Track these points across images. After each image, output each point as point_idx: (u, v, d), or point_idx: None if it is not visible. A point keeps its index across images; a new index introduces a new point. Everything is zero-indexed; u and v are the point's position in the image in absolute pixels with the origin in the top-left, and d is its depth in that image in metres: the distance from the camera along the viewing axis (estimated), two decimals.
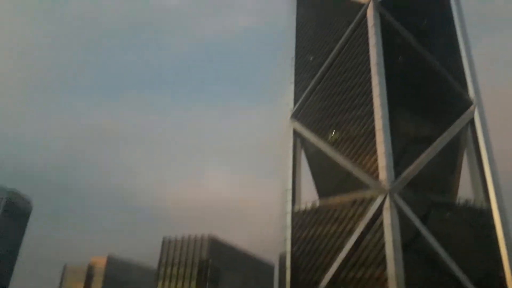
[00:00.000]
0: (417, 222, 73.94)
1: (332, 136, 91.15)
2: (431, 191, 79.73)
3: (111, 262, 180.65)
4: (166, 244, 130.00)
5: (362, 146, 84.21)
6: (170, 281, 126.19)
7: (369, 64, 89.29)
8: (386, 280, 69.41)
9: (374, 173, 79.02)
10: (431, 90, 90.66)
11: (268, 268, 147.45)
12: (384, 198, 74.91)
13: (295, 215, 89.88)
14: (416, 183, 78.12)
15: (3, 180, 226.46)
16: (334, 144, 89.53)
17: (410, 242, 72.27)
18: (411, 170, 78.77)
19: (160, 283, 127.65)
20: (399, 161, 79.62)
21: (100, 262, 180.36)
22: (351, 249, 76.54)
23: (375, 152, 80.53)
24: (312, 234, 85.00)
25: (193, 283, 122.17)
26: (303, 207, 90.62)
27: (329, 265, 78.34)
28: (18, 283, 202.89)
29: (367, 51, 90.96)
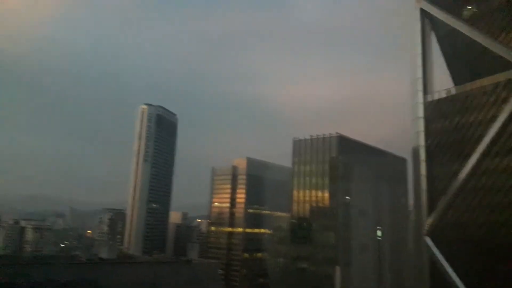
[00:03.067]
0: None
1: (468, 11, 78.24)
2: None
3: (250, 163, 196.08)
4: (297, 144, 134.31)
5: (505, 19, 70.96)
6: (304, 177, 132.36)
7: None
8: None
9: None
10: None
11: (401, 162, 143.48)
12: None
13: (428, 105, 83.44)
14: None
15: (152, 100, 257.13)
16: (470, 20, 77.07)
17: None
18: None
19: (295, 179, 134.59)
20: None
21: (241, 163, 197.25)
22: (493, 137, 68.93)
23: None
24: (448, 124, 78.67)
25: (326, 179, 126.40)
26: (436, 96, 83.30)
27: (467, 156, 72.47)
28: (178, 182, 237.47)
29: None
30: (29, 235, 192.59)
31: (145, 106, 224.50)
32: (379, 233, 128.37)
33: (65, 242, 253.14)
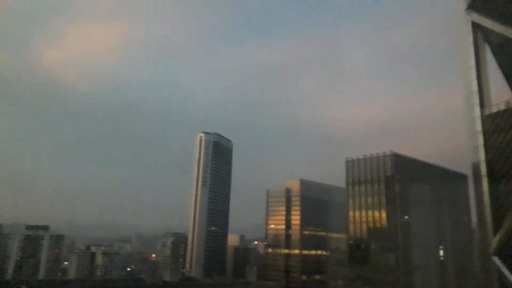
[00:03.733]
0: None
1: None
2: None
3: (304, 184, 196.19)
4: (350, 164, 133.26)
5: None
6: (360, 198, 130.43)
7: None
8: None
9: None
10: None
11: (461, 178, 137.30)
12: None
13: (486, 119, 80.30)
14: None
15: (209, 128, 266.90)
16: None
17: None
18: None
19: (351, 200, 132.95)
20: None
21: (295, 185, 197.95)
22: None
23: None
24: (509, 138, 75.32)
25: (382, 198, 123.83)
26: (494, 109, 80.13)
27: None
28: (234, 205, 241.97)
29: None
30: (99, 260, 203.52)
31: (202, 134, 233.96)
32: (441, 253, 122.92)
33: (132, 266, 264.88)
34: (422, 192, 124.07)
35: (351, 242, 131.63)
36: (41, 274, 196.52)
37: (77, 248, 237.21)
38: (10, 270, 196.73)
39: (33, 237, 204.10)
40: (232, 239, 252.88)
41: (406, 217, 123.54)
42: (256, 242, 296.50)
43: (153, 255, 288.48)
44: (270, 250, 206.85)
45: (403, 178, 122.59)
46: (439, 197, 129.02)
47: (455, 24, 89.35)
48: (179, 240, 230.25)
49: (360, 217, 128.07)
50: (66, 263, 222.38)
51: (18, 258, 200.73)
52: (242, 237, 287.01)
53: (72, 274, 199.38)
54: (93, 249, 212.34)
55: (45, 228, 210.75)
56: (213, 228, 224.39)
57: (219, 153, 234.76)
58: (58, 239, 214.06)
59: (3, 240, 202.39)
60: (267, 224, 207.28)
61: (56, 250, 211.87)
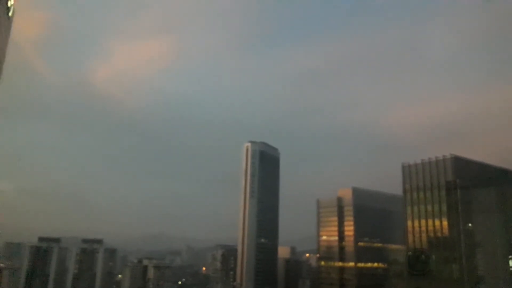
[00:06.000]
0: None
1: None
2: None
3: (357, 193, 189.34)
4: (407, 170, 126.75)
5: None
6: (418, 206, 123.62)
7: None
8: None
9: None
10: None
11: None
12: None
13: None
14: None
15: (255, 137, 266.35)
16: None
17: None
18: None
19: (409, 208, 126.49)
20: None
21: (347, 194, 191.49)
22: None
23: None
24: None
25: (444, 206, 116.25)
26: None
27: None
28: (283, 216, 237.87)
29: None
30: (151, 273, 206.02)
31: (248, 144, 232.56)
32: (510, 263, 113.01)
33: (182, 279, 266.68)
34: (487, 198, 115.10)
35: (410, 253, 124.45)
36: (97, 287, 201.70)
37: (130, 262, 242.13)
38: (68, 282, 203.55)
39: (88, 250, 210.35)
40: (283, 251, 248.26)
41: (470, 225, 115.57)
42: (307, 255, 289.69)
43: (204, 268, 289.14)
44: (323, 263, 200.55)
45: (465, 183, 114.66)
46: (506, 202, 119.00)
47: None
48: (229, 253, 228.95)
49: (420, 226, 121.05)
50: (120, 276, 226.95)
51: (75, 271, 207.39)
52: (293, 249, 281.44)
53: (125, 287, 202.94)
54: (145, 262, 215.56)
55: (99, 241, 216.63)
56: (263, 240, 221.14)
57: (266, 163, 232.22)
58: (111, 252, 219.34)
59: (62, 253, 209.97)
60: (318, 236, 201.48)
61: (110, 264, 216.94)
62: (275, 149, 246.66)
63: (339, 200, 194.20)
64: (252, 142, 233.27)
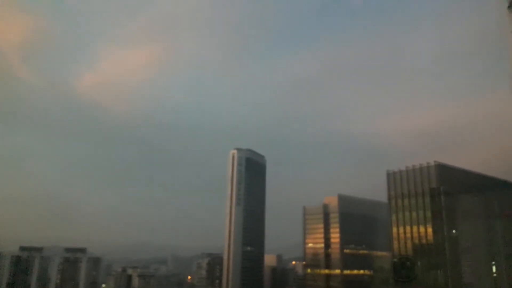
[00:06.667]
0: None
1: None
2: None
3: (342, 200, 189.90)
4: (391, 177, 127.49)
5: None
6: (403, 212, 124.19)
7: None
8: None
9: None
10: None
11: None
12: None
13: None
14: None
15: (242, 144, 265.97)
16: None
17: None
18: None
19: (394, 215, 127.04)
20: None
21: (333, 201, 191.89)
22: None
23: None
24: None
25: (428, 212, 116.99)
26: None
27: None
28: (269, 223, 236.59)
29: None
30: (135, 282, 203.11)
31: (234, 151, 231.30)
32: (494, 269, 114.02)
33: None
34: (471, 204, 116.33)
35: (395, 260, 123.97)
36: None
37: (114, 270, 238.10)
38: None
39: (71, 260, 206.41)
40: (269, 259, 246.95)
41: (454, 231, 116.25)
42: (294, 262, 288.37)
43: (189, 277, 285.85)
44: (309, 270, 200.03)
45: (449, 189, 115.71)
46: (490, 209, 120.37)
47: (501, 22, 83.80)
48: (215, 261, 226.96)
49: (405, 233, 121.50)
50: (103, 286, 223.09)
51: (57, 281, 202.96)
52: (279, 257, 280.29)
53: None
54: (129, 271, 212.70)
55: (83, 250, 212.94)
56: (249, 248, 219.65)
57: (253, 170, 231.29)
58: (95, 261, 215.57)
59: (44, 263, 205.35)
60: (305, 243, 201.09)
61: (94, 273, 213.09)
62: (262, 156, 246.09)
63: (325, 207, 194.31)
64: (238, 149, 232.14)
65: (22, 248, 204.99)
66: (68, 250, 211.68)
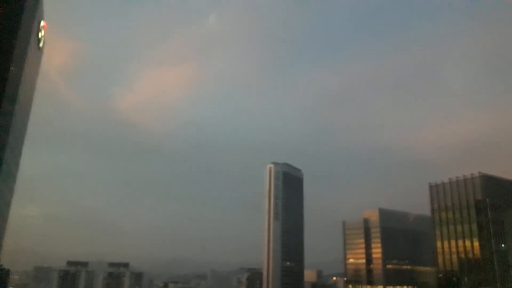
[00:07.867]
0: None
1: None
2: None
3: (383, 214, 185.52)
4: (434, 190, 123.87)
5: None
6: (447, 226, 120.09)
7: None
8: None
9: None
10: None
11: None
12: None
13: None
14: None
15: (277, 158, 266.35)
16: None
17: None
18: None
19: (437, 229, 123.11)
20: None
21: (373, 215, 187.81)
22: None
23: None
24: None
25: (474, 226, 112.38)
26: None
27: None
28: (308, 238, 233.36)
29: None
30: None
31: (271, 165, 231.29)
32: None
33: None
34: None
35: (440, 275, 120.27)
36: None
37: (156, 285, 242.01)
38: None
39: (115, 274, 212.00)
40: (309, 275, 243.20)
41: (503, 245, 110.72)
42: (334, 278, 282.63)
43: None
44: (350, 286, 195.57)
45: (496, 202, 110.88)
46: None
47: None
48: (254, 276, 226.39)
49: (450, 247, 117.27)
50: None
51: None
52: (319, 273, 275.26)
53: None
54: (171, 286, 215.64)
55: (126, 265, 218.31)
56: (288, 263, 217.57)
57: (290, 184, 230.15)
58: (138, 276, 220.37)
59: (89, 277, 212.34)
60: (345, 258, 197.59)
61: (136, 287, 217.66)
62: (298, 170, 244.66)
63: (365, 221, 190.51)
64: (275, 164, 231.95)
65: (69, 263, 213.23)
66: (112, 264, 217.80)
